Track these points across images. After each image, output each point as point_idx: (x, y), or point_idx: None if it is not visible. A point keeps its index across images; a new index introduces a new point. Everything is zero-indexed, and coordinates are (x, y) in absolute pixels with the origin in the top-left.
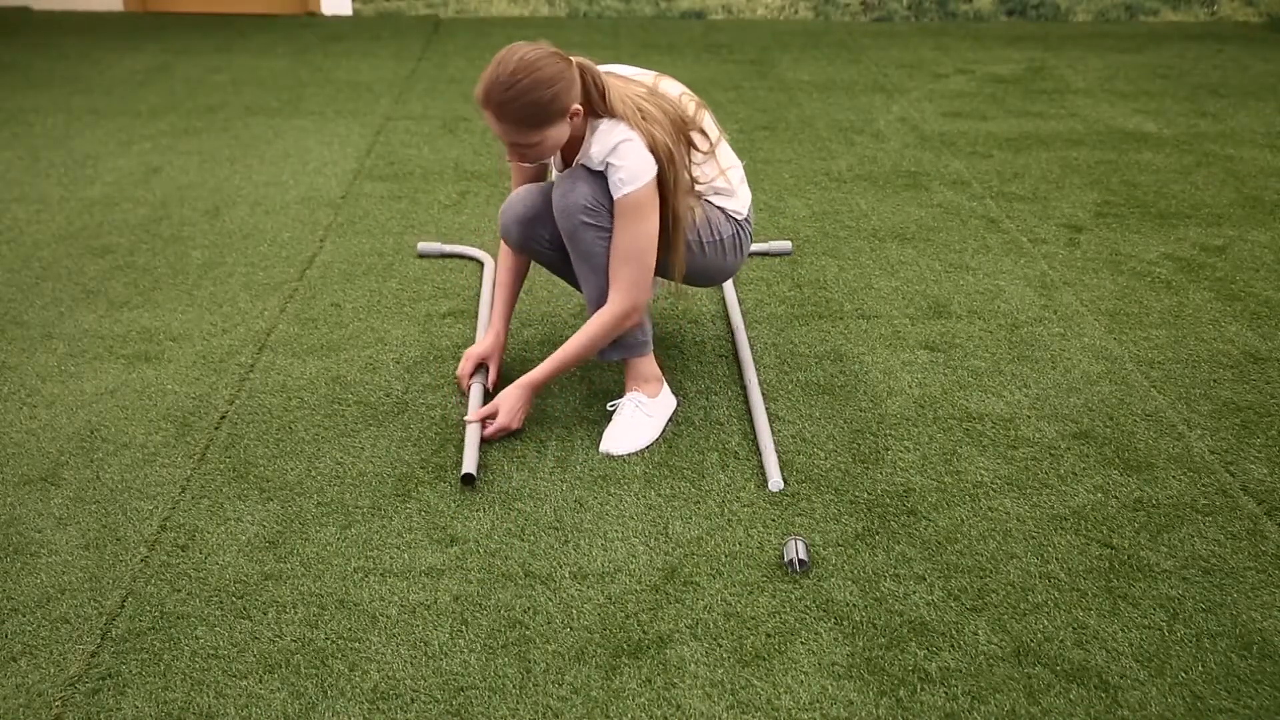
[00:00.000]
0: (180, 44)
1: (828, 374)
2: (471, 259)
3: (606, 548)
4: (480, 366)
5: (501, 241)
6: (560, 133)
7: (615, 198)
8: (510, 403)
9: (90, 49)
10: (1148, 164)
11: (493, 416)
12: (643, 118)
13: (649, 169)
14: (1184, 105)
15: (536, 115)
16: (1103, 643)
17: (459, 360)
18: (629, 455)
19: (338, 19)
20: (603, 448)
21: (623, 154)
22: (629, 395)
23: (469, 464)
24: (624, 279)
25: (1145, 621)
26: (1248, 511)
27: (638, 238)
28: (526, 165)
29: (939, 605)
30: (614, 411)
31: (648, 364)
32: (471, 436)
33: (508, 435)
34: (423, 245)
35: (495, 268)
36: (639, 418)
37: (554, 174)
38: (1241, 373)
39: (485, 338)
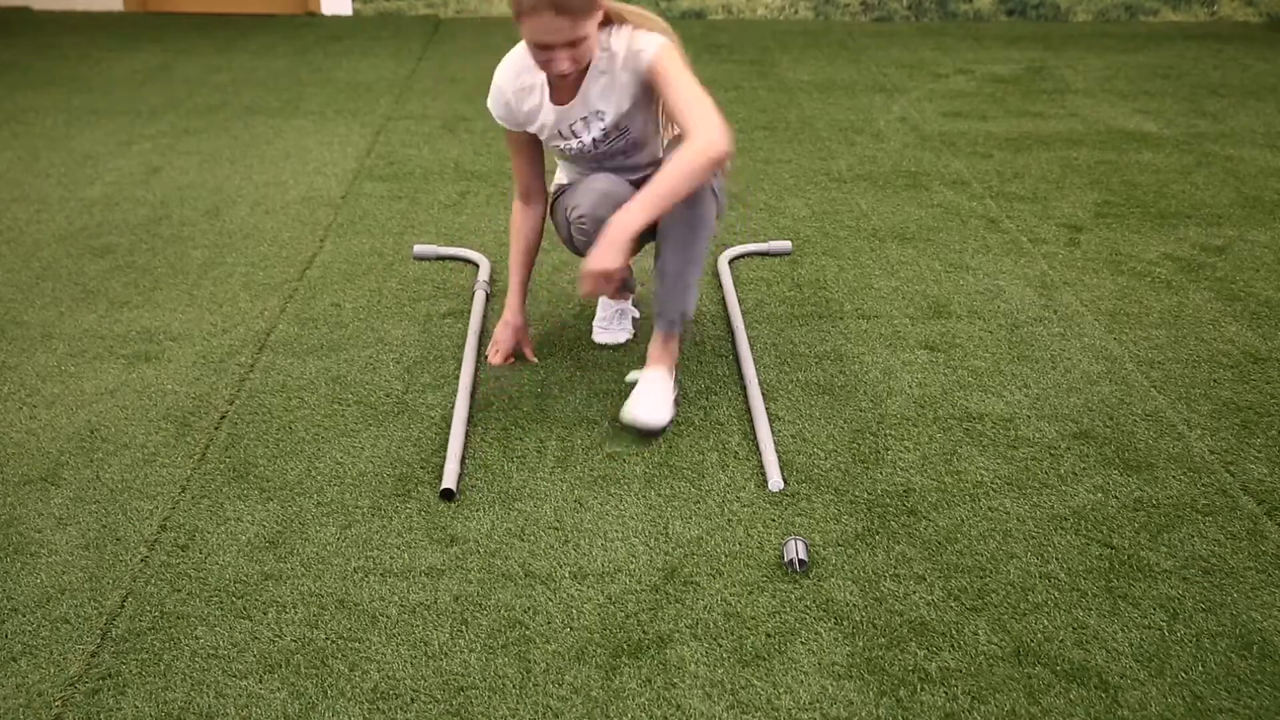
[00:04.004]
0: (180, 44)
1: (828, 374)
2: (467, 261)
3: (606, 548)
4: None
5: (517, 217)
6: (594, 32)
7: (650, 62)
8: (607, 254)
9: (90, 49)
10: (1148, 164)
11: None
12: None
13: (663, 37)
14: (1184, 105)
15: (589, 2)
16: (1103, 643)
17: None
18: (629, 455)
19: (338, 19)
20: (638, 415)
21: (639, 35)
22: (654, 369)
23: (449, 478)
24: (705, 111)
25: (1145, 621)
26: (1248, 511)
27: (692, 81)
28: (525, 147)
29: (939, 605)
30: (634, 384)
31: (677, 344)
32: (454, 448)
33: (504, 432)
34: (418, 248)
35: (517, 244)
36: (666, 392)
37: (547, 110)
38: (1241, 373)
39: (515, 315)
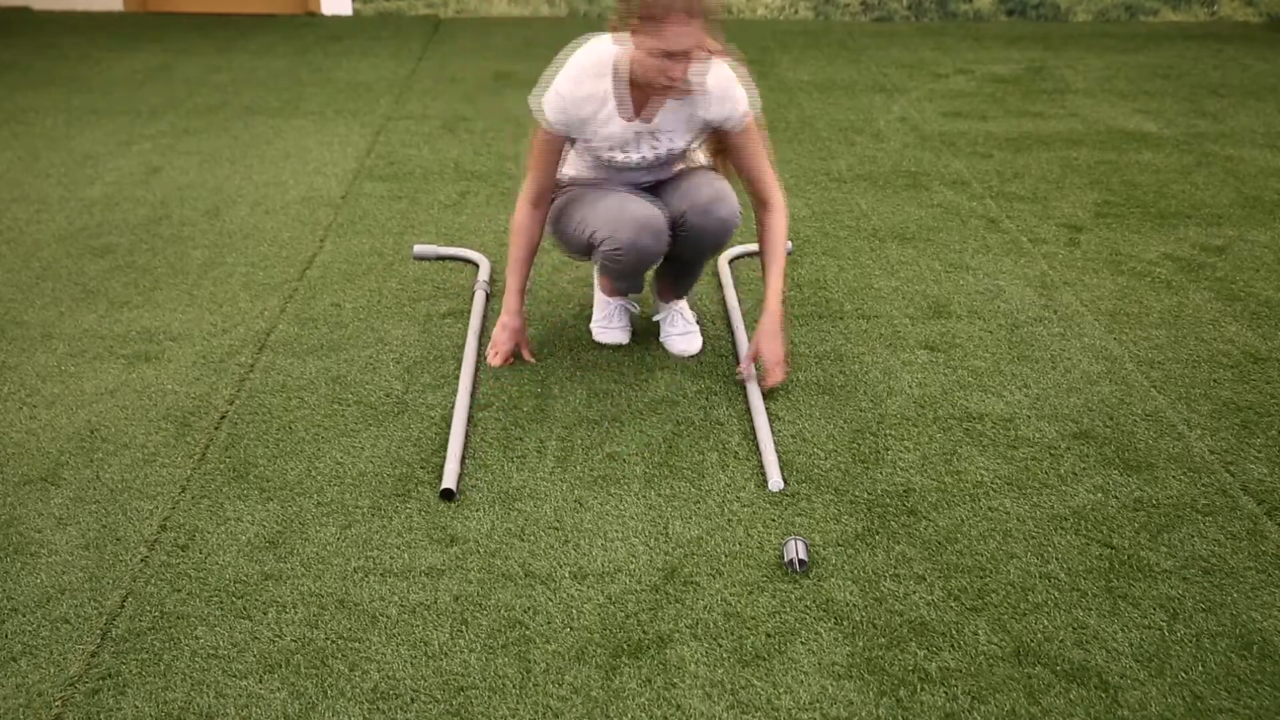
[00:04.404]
0: (180, 44)
1: (828, 374)
2: (467, 261)
3: (606, 548)
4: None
5: (524, 220)
6: None
7: (748, 123)
8: (779, 345)
9: (90, 49)
10: (1148, 164)
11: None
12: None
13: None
14: (1184, 105)
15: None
16: (1103, 643)
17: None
18: (629, 455)
19: (338, 19)
20: (684, 348)
21: (736, 82)
22: (674, 305)
23: (449, 478)
24: (776, 182)
25: (1145, 621)
26: (1248, 511)
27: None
28: (556, 152)
29: (939, 605)
30: (662, 320)
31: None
32: (454, 448)
33: (505, 432)
34: (418, 248)
35: (517, 247)
36: (691, 320)
37: (616, 122)
38: (1241, 373)
39: (513, 317)
